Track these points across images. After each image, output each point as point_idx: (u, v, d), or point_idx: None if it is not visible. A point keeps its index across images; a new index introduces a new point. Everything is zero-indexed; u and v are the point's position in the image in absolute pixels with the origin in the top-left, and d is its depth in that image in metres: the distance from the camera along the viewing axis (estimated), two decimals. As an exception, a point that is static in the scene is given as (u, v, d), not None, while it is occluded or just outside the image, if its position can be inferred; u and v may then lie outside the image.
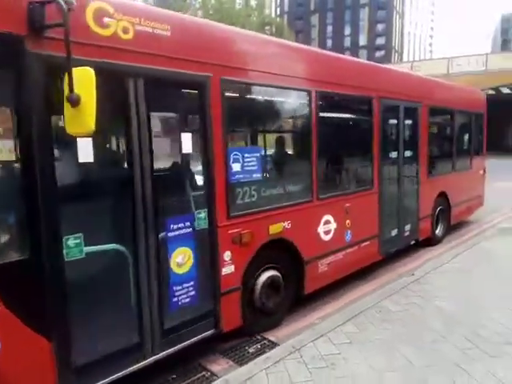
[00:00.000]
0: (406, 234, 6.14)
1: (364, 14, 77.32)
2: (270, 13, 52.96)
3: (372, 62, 7.01)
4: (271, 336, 3.92)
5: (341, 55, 5.78)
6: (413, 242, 6.48)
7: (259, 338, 3.89)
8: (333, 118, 5.10)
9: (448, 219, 7.40)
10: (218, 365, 3.45)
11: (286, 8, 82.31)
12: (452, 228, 7.80)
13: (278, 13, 79.78)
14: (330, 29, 79.28)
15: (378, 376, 3.01)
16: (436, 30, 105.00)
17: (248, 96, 4.01)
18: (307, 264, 4.32)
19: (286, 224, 4.00)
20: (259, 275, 3.87)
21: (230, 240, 3.48)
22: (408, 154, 6.15)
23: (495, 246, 6.38)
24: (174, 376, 3.27)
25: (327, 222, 4.62)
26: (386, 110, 5.62)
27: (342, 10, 77.45)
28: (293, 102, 4.46)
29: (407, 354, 3.31)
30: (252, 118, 4.29)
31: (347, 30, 78.30)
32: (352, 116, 5.71)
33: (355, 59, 6.22)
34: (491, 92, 29.73)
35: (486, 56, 30.39)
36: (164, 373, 3.31)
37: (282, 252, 4.12)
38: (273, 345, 3.72)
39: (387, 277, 5.53)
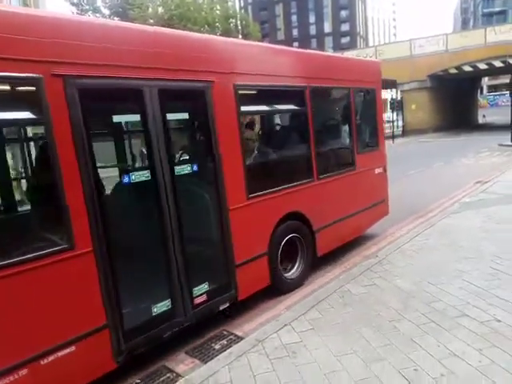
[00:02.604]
0: (200, 299, 3.69)
1: (327, 1, 77.68)
2: (233, 5, 52.48)
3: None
4: (238, 331, 3.97)
5: None
6: (225, 306, 4.02)
7: (225, 333, 3.93)
8: None
9: (312, 249, 5.07)
10: (184, 365, 3.47)
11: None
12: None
13: (242, 4, 79.27)
14: (294, 18, 79.42)
15: (336, 359, 3.09)
16: (398, 14, 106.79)
17: None
18: None
19: None
20: None
21: None
22: (187, 168, 3.62)
23: (456, 222, 6.60)
24: (138, 380, 3.27)
25: None
26: (95, 97, 3.11)
27: (305, -1, 77.60)
28: None
29: (366, 335, 3.41)
30: None
31: (312, 19, 78.67)
32: None
33: None
34: (454, 71, 30.54)
35: (446, 36, 31.10)
36: (128, 376, 3.33)
37: None
38: (238, 339, 3.76)
39: (353, 260, 5.65)
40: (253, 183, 4.19)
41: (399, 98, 33.79)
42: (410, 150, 21.84)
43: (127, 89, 3.26)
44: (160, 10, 35.28)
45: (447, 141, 25.14)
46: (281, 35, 77.71)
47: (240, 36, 36.79)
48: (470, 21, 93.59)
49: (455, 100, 35.33)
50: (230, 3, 44.92)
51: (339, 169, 5.62)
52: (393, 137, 28.58)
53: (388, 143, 26.31)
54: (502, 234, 5.73)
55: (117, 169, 4.42)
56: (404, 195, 9.72)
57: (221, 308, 3.98)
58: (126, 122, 4.30)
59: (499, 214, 6.79)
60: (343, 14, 78.65)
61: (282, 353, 3.25)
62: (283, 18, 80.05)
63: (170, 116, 3.69)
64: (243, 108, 4.14)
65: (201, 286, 3.72)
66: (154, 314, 3.35)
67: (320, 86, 5.19)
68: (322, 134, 5.50)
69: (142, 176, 3.31)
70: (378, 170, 6.43)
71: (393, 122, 31.06)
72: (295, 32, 79.41)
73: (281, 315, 4.01)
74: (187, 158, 4.31)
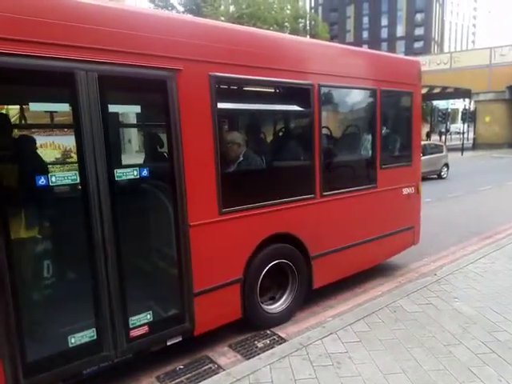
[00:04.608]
0: (139, 331, 3.04)
1: (402, 3, 74.55)
2: (303, 5, 52.35)
3: None
4: (281, 332, 3.92)
5: None
6: (175, 341, 3.30)
7: (269, 333, 3.90)
8: None
9: (307, 279, 4.24)
10: (226, 358, 3.50)
11: (320, 0, 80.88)
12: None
13: (313, 5, 78.64)
14: (365, 20, 77.20)
15: (382, 376, 2.94)
16: (479, 20, 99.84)
17: None
18: None
19: None
20: None
21: None
22: (132, 172, 2.97)
23: (528, 247, 6.03)
24: (182, 366, 3.35)
25: None
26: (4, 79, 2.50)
27: (379, 0, 75.08)
28: None
29: (417, 355, 3.22)
30: None
31: (384, 21, 75.92)
32: None
33: None
34: (538, 84, 28.02)
35: (533, 45, 28.58)
36: (172, 361, 3.43)
37: None
38: (282, 341, 3.73)
39: (408, 276, 5.38)
40: (230, 196, 3.47)
41: (472, 109, 31.75)
42: (480, 165, 20.42)
43: (53, 71, 2.60)
44: (231, 8, 36.02)
45: (524, 158, 23.14)
46: (350, 37, 76.01)
47: (308, 36, 36.53)
48: None
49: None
50: (300, 3, 44.82)
51: (353, 186, 4.66)
52: (462, 149, 26.88)
53: (456, 155, 24.89)
54: None
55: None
56: (471, 213, 9.12)
57: (169, 343, 3.27)
58: (55, 113, 3.65)
59: None
60: (418, 17, 75.06)
61: (326, 361, 3.16)
62: (354, 20, 78.13)
63: (114, 108, 3.17)
64: (221, 105, 3.39)
65: (141, 316, 3.06)
66: (70, 346, 2.76)
67: (333, 84, 4.31)
68: (333, 142, 4.82)
69: (65, 178, 2.71)
70: (407, 190, 5.32)
71: (463, 133, 29.23)
72: (365, 34, 77.24)
73: (327, 322, 3.91)
74: (137, 159, 3.72)
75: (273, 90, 4.38)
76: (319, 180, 4.21)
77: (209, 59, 3.29)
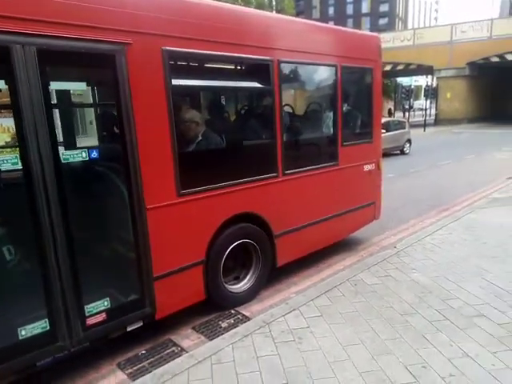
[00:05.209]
0: (96, 319, 2.92)
1: (367, -21, 74.37)
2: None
3: None
4: (246, 311, 3.94)
5: None
6: (135, 326, 3.21)
7: (233, 312, 3.91)
8: None
9: (271, 258, 4.26)
10: (190, 340, 3.49)
11: (285, -25, 79.34)
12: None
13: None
14: (331, -4, 76.59)
15: (342, 348, 3.02)
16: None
17: None
18: None
19: None
20: None
21: None
22: (80, 154, 2.79)
23: (483, 218, 6.31)
24: (144, 351, 3.31)
25: None
26: None
27: (344, -24, 74.55)
28: None
29: (375, 326, 3.32)
30: None
31: (349, -3, 75.65)
32: None
33: None
34: (496, 59, 28.97)
35: (491, 22, 29.36)
36: (134, 346, 3.37)
37: None
38: (246, 319, 3.74)
39: (370, 250, 5.52)
40: (189, 177, 3.37)
41: (434, 85, 32.55)
42: (441, 140, 21.12)
43: None
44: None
45: (482, 133, 24.11)
46: (316, 13, 75.35)
47: (273, 11, 35.90)
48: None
49: (495, 91, 33.69)
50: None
51: (315, 164, 4.65)
52: (424, 125, 27.65)
53: (419, 131, 25.60)
54: (531, 233, 5.45)
55: None
56: (429, 187, 9.43)
57: (129, 328, 3.19)
58: None
59: (530, 212, 6.46)
60: (383, -7, 75.31)
61: (288, 337, 3.21)
62: (320, -4, 77.37)
63: (57, 85, 3.06)
64: (176, 81, 3.23)
65: (98, 303, 2.95)
66: (21, 338, 2.62)
67: (293, 60, 4.26)
68: (294, 120, 4.82)
69: (5, 162, 2.50)
70: (368, 167, 5.36)
71: (425, 109, 30.01)
72: (331, 11, 76.83)
73: (290, 299, 3.96)
74: (87, 140, 3.64)
75: (231, 66, 4.28)
76: (281, 158, 4.17)
77: (161, 33, 3.11)
